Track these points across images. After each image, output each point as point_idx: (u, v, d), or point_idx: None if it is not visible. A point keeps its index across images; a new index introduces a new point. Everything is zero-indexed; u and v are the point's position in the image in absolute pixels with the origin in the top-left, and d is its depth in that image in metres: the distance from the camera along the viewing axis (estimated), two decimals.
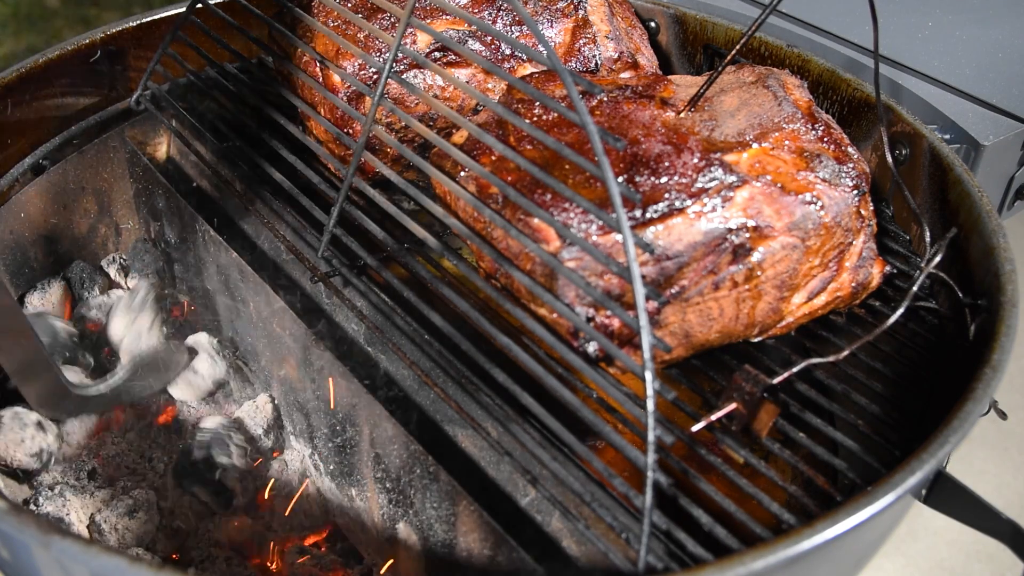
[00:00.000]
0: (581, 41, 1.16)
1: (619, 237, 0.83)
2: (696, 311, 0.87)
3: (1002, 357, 0.81)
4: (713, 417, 0.81)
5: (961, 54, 1.47)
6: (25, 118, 1.22)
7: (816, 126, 0.94)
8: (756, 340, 0.95)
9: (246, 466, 1.14)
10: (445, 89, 1.12)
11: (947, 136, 1.31)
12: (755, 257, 0.86)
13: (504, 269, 0.88)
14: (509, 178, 0.90)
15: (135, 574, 0.62)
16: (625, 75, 1.16)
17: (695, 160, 0.88)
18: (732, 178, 0.86)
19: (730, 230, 0.85)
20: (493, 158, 0.94)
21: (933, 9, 1.62)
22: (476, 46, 1.13)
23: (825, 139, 0.93)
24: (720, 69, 0.97)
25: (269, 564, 1.13)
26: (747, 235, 0.85)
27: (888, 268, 0.98)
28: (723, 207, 0.85)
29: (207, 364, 1.22)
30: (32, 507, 1.02)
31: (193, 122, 1.22)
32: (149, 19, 1.33)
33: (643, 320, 0.71)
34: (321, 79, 1.14)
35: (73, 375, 1.12)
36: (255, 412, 1.18)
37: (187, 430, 1.20)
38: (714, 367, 0.94)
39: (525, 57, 1.14)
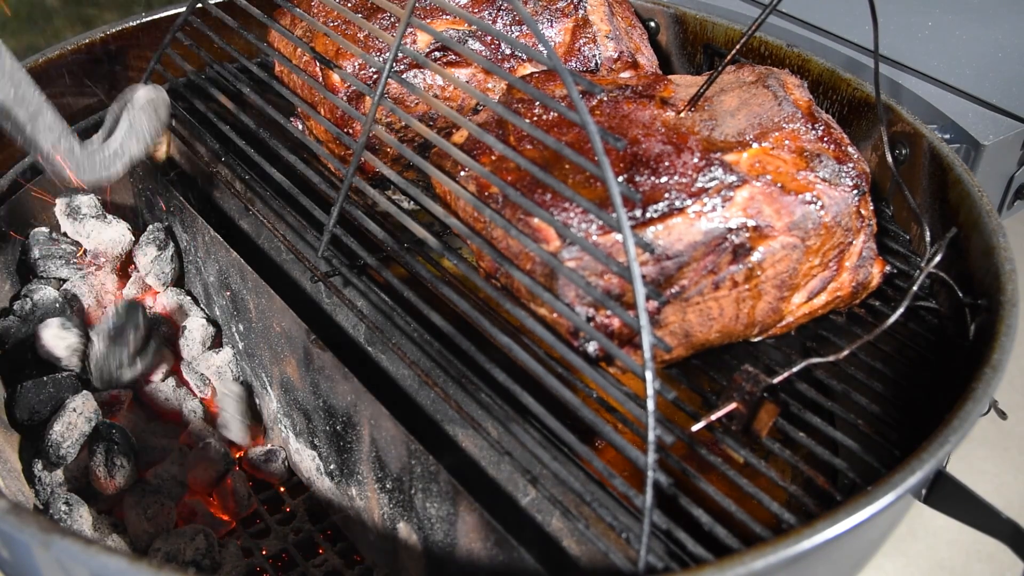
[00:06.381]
0: (581, 41, 1.16)
1: (619, 237, 0.83)
2: (696, 311, 0.87)
3: (1002, 357, 0.81)
4: (713, 417, 0.81)
5: (961, 54, 1.47)
6: None
7: (816, 126, 0.94)
8: (756, 340, 0.95)
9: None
10: (445, 89, 1.12)
11: (947, 136, 1.31)
12: (755, 257, 0.86)
13: (504, 269, 0.88)
14: (509, 178, 0.90)
15: (135, 574, 0.62)
16: (625, 75, 1.16)
17: (695, 160, 0.88)
18: (732, 178, 0.86)
19: (730, 230, 0.85)
20: (493, 158, 0.94)
21: (933, 9, 1.62)
22: (476, 46, 1.13)
23: (825, 139, 0.93)
24: (720, 69, 0.97)
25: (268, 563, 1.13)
26: (747, 235, 0.85)
27: (888, 268, 0.98)
28: (723, 207, 0.85)
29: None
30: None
31: (193, 122, 1.22)
32: (149, 19, 1.33)
33: (643, 320, 0.71)
34: (321, 79, 1.14)
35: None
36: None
37: None
38: (714, 367, 0.93)
39: (525, 57, 1.14)
